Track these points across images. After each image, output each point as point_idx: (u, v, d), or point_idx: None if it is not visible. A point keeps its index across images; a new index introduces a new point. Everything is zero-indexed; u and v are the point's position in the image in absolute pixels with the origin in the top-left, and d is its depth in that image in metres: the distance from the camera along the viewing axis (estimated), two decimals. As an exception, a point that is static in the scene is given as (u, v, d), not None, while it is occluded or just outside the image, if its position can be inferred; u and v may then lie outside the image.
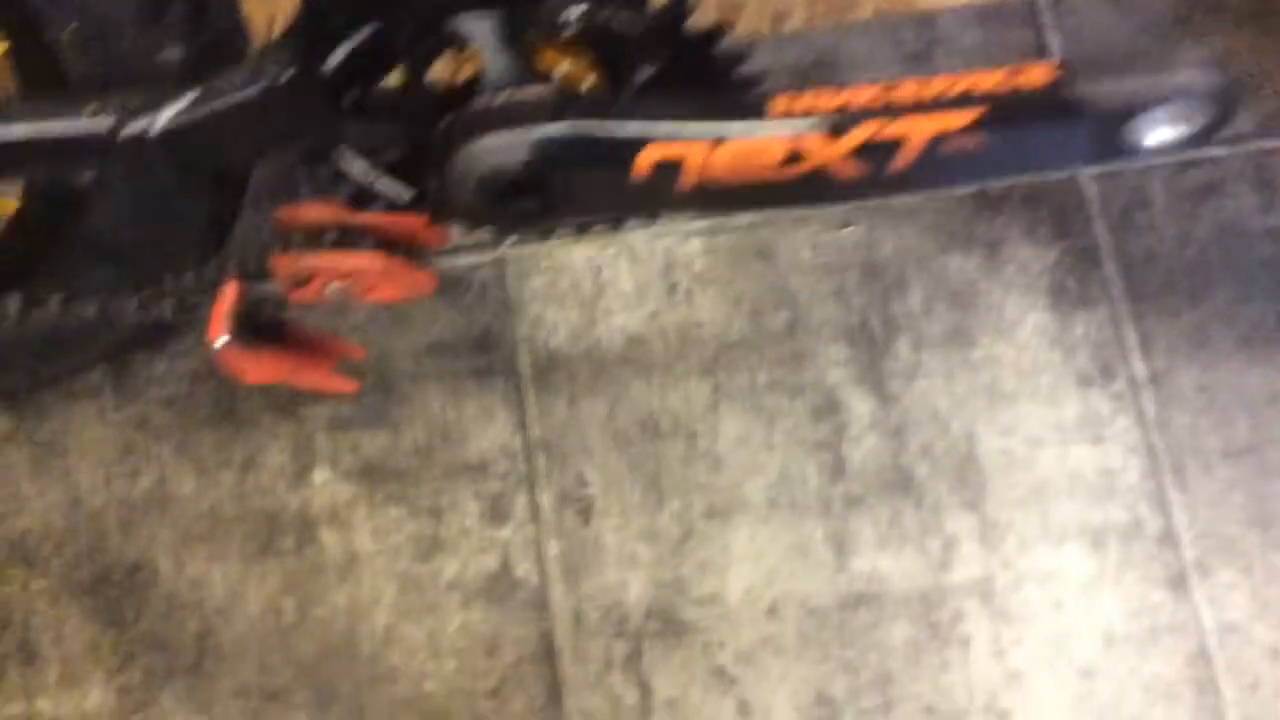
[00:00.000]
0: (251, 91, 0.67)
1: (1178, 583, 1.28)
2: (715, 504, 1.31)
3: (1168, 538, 1.29)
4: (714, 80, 0.66)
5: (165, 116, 0.68)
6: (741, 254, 1.39)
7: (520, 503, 1.31)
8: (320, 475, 1.31)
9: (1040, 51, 1.44)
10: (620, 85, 0.69)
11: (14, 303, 0.82)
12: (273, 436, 1.32)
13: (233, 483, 1.30)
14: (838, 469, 1.32)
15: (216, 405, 1.33)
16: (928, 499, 1.31)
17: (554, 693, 1.27)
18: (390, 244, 0.84)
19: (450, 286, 1.37)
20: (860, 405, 1.34)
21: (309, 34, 0.64)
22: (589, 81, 0.68)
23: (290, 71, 0.66)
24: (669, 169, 0.63)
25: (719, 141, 0.62)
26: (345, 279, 0.84)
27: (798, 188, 0.64)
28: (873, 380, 1.35)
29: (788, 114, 0.62)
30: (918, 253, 1.38)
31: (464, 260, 1.37)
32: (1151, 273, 1.37)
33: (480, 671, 1.27)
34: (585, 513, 1.31)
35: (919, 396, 1.34)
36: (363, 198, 0.82)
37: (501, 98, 0.66)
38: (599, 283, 1.39)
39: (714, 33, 0.64)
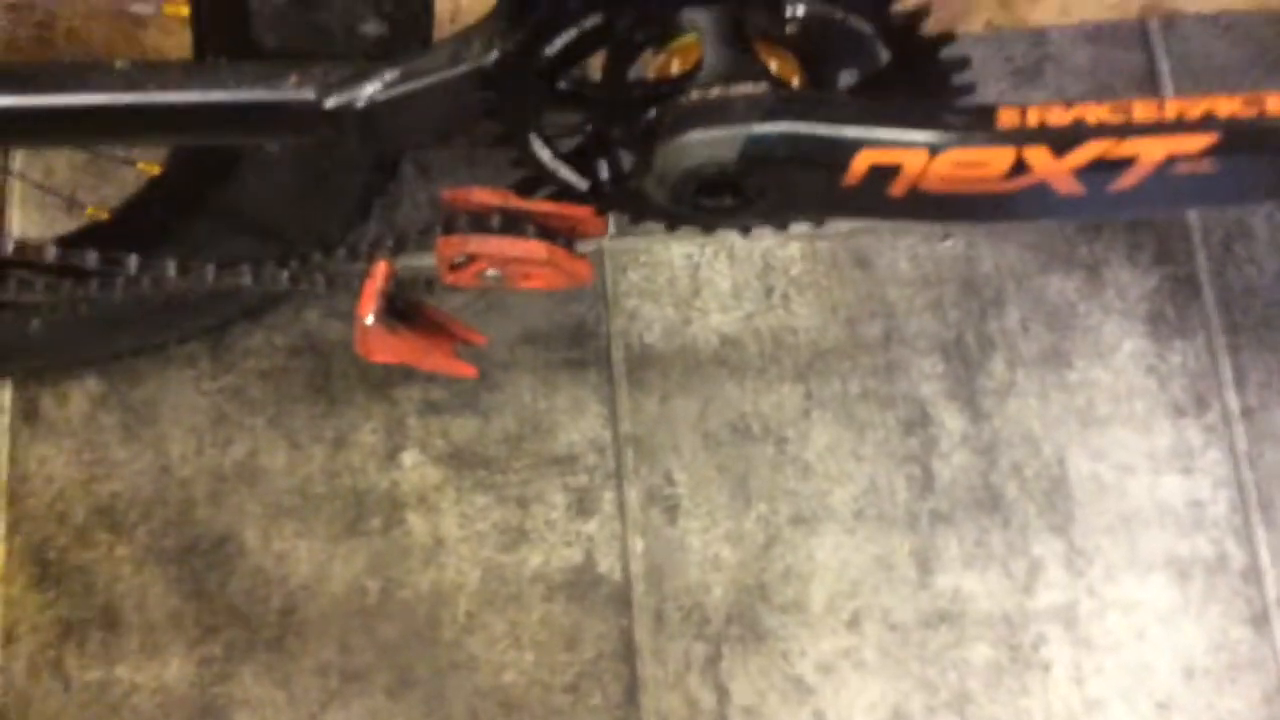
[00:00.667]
0: (458, 70, 0.67)
1: (1260, 620, 1.28)
2: (802, 511, 1.31)
3: (1252, 573, 1.29)
4: (928, 87, 0.65)
5: (369, 91, 0.68)
6: (840, 261, 1.39)
7: (607, 498, 1.31)
8: (410, 458, 1.31)
9: (1151, 76, 1.44)
10: (824, 86, 0.69)
11: (171, 265, 0.82)
12: (365, 416, 1.32)
13: (324, 459, 1.30)
14: (926, 484, 1.32)
15: (311, 381, 1.32)
16: (1015, 520, 1.31)
17: (631, 691, 1.27)
18: (552, 233, 0.83)
19: (547, 277, 1.36)
20: (952, 421, 1.34)
21: (521, 14, 0.64)
22: (795, 81, 0.68)
23: (503, 53, 0.65)
24: (883, 175, 0.63)
25: (939, 150, 0.61)
26: (505, 265, 0.83)
27: (1015, 202, 0.63)
28: (965, 396, 1.34)
29: (1017, 127, 0.61)
30: (1017, 271, 1.38)
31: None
32: (1250, 306, 1.37)
33: (559, 665, 1.27)
34: (671, 512, 1.31)
35: (1012, 416, 1.34)
36: (529, 184, 0.81)
37: (716, 92, 0.65)
38: (696, 281, 1.39)
39: (942, 39, 0.63)
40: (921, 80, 0.65)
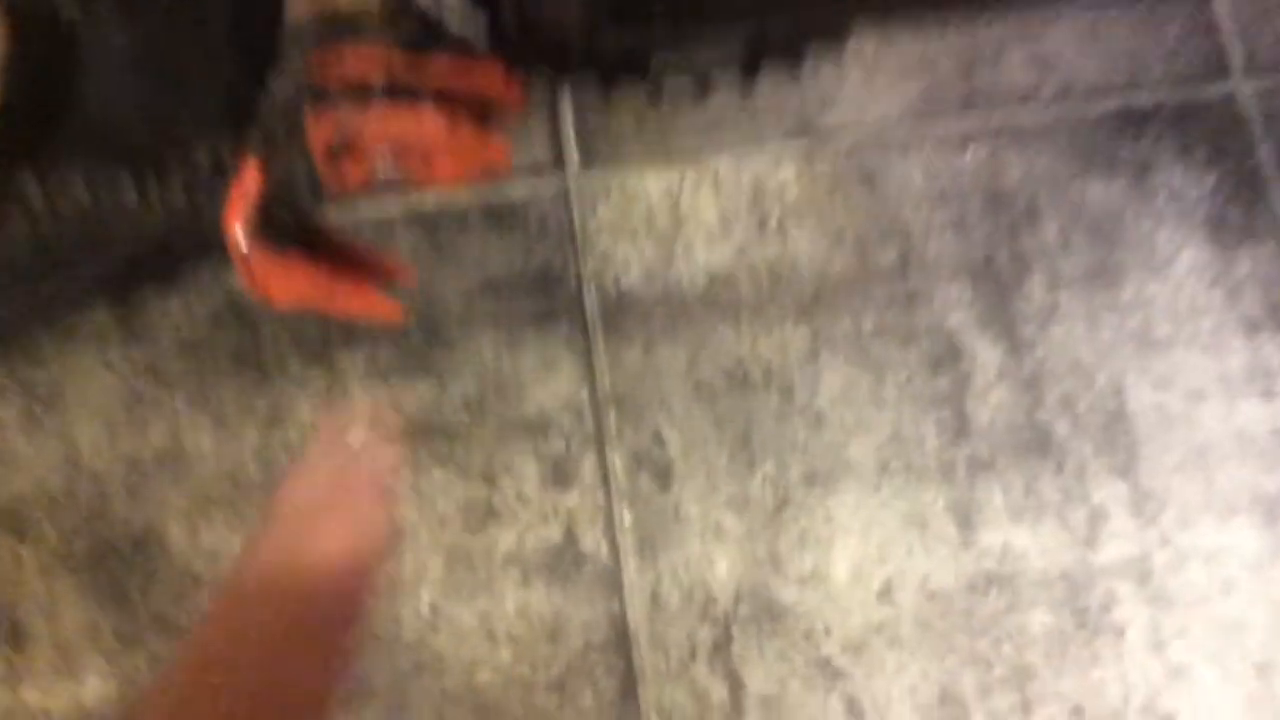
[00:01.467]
0: None
1: (1368, 563, 1.08)
2: (816, 468, 1.12)
3: (1354, 510, 1.09)
4: None
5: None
6: (842, 180, 1.20)
7: (587, 465, 1.12)
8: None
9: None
10: None
11: (30, 183, 0.64)
12: (301, 387, 1.13)
13: (256, 439, 1.12)
14: (960, 428, 1.12)
15: (238, 350, 1.14)
16: (1069, 463, 1.11)
17: (628, 686, 1.08)
18: (455, 102, 0.65)
19: (505, 216, 1.18)
20: (986, 353, 1.14)
21: None
22: None
23: None
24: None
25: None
26: (398, 149, 0.65)
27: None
28: (1001, 324, 1.15)
29: None
30: (1051, 177, 1.18)
31: (521, 187, 1.18)
32: (1326, 201, 1.17)
33: (541, 660, 1.08)
34: (663, 477, 1.12)
35: (1056, 343, 1.14)
36: (421, 38, 0.63)
37: None
38: (677, 214, 1.20)
39: None
40: None
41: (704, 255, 1.19)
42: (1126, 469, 1.11)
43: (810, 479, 1.11)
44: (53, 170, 0.76)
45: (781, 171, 1.21)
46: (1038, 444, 1.11)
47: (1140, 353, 1.14)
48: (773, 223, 1.19)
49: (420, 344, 1.15)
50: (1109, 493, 1.10)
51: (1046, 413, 1.12)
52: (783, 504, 1.11)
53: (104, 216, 0.71)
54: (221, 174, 0.70)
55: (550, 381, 1.15)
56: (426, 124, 0.63)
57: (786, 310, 1.17)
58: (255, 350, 1.14)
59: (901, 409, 1.13)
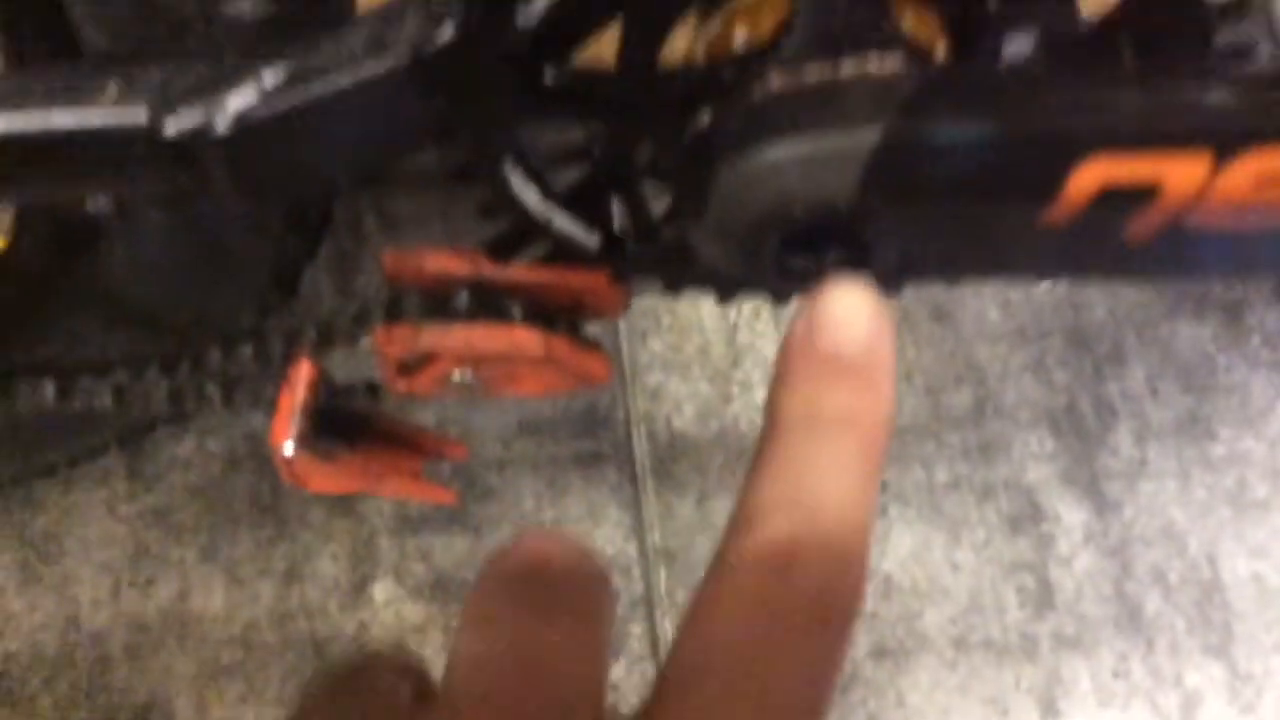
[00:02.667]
0: (382, 63, 0.39)
1: None
2: (885, 640, 1.02)
3: None
4: (1175, 47, 0.38)
5: (234, 105, 0.40)
6: (913, 313, 1.11)
7: (635, 632, 1.02)
8: (382, 591, 1.02)
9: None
10: (984, 56, 0.41)
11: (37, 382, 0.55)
12: (324, 539, 1.04)
13: (272, 598, 1.02)
14: (1044, 598, 1.03)
15: (254, 496, 1.04)
16: (1161, 640, 1.02)
17: None
18: (548, 314, 0.56)
19: (549, 351, 1.08)
20: (1070, 514, 1.05)
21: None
22: (939, 49, 0.41)
23: (455, 30, 0.38)
24: (1122, 201, 0.35)
25: (1235, 149, 0.34)
26: (479, 365, 0.56)
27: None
28: (1085, 481, 1.06)
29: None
30: (1137, 317, 1.10)
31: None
32: None
33: None
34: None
35: (1145, 503, 1.05)
36: (511, 242, 0.54)
37: (817, 73, 0.38)
38: (734, 347, 1.11)
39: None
40: (1168, 39, 0.38)
41: (763, 393, 1.09)
42: (1222, 648, 1.01)
43: (880, 653, 1.02)
44: (71, 351, 0.67)
45: (845, 304, 1.12)
46: (1127, 618, 1.02)
47: (1236, 516, 1.05)
48: (836, 361, 1.10)
49: (455, 491, 1.05)
50: (1204, 675, 1.01)
51: (1136, 583, 1.03)
52: (850, 682, 1.01)
53: (126, 409, 0.62)
54: (267, 370, 0.61)
55: (595, 534, 1.06)
56: (518, 343, 0.54)
57: (852, 459, 1.07)
58: (274, 497, 1.04)
59: (979, 574, 1.04)
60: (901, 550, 1.05)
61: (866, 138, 0.37)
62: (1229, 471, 1.06)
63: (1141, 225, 0.37)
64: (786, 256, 0.42)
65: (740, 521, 0.27)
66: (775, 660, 0.24)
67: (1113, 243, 0.38)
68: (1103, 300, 1.11)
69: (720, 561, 0.26)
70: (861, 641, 1.02)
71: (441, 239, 1.15)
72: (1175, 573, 1.04)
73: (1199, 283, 1.04)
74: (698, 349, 1.11)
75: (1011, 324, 1.11)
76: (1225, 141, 0.34)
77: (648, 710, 0.25)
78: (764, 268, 0.42)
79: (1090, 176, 0.36)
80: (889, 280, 0.44)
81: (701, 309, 1.12)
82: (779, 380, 0.29)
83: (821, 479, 0.27)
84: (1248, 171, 0.35)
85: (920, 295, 1.11)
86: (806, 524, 0.26)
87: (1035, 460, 1.07)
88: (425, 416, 1.07)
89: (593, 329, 1.09)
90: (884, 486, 1.06)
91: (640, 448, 1.08)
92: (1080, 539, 1.04)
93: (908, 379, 1.10)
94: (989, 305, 1.11)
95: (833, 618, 0.25)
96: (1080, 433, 1.07)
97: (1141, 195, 0.36)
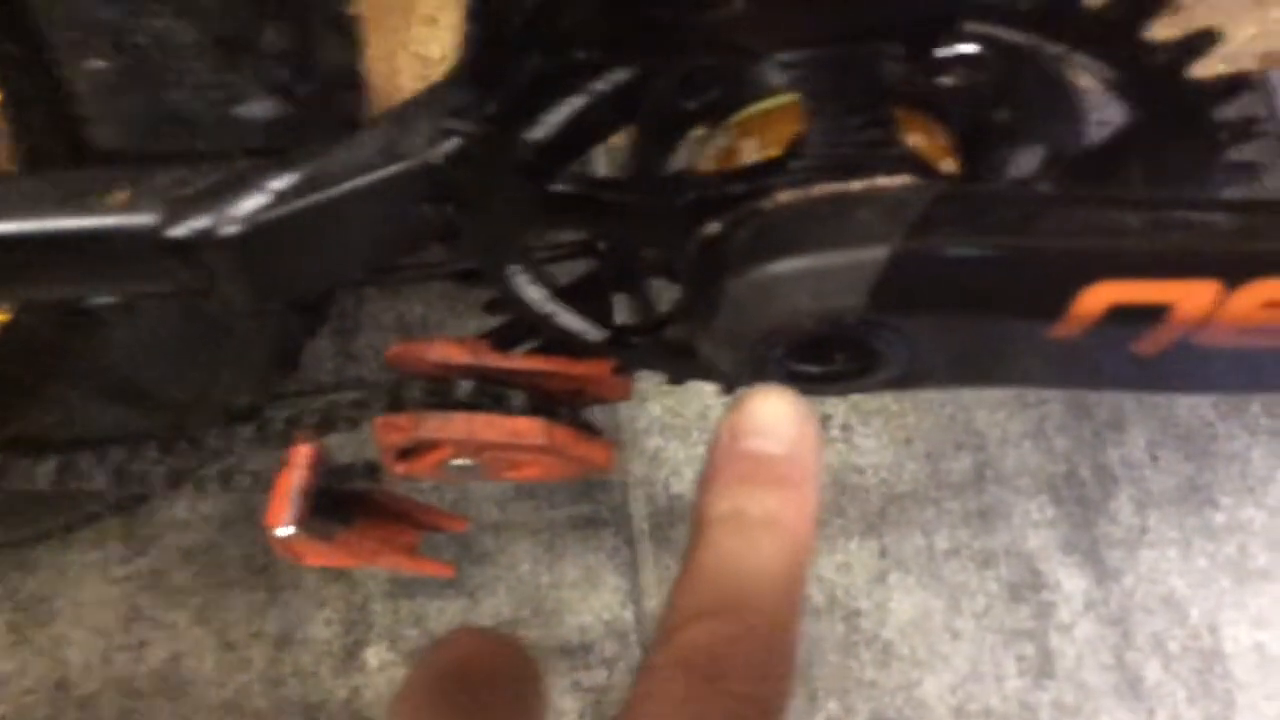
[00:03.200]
0: (391, 170, 0.39)
1: None
2: (884, 709, 1.01)
3: None
4: (1189, 166, 0.38)
5: (245, 208, 0.40)
6: (912, 381, 1.11)
7: (633, 697, 1.01)
8: (375, 656, 1.01)
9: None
10: (992, 172, 0.41)
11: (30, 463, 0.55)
12: (317, 603, 1.03)
13: (265, 662, 1.01)
14: (1044, 666, 1.02)
15: (247, 560, 1.03)
16: (1162, 711, 1.01)
17: None
18: (550, 402, 0.55)
19: (547, 413, 1.08)
20: (1070, 582, 1.05)
21: (493, 75, 0.37)
22: (947, 165, 0.41)
23: (465, 140, 0.38)
24: (1131, 321, 0.35)
25: (1245, 277, 0.34)
26: (480, 452, 0.55)
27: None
28: (1085, 548, 1.05)
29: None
30: (1136, 387, 1.10)
31: (563, 379, 1.08)
32: None
33: None
34: None
35: (1146, 572, 1.05)
36: (513, 332, 0.53)
37: (828, 189, 0.38)
38: (733, 412, 1.10)
39: (1227, 86, 0.36)
40: (1177, 158, 0.38)
41: (760, 458, 1.09)
42: (1223, 719, 1.00)
43: (879, 721, 1.01)
44: (69, 427, 0.66)
45: (844, 367, 1.11)
46: (1128, 688, 1.01)
47: (1237, 585, 1.04)
48: (837, 423, 1.10)
49: (450, 557, 1.04)
50: (1207, 746, 1.00)
51: (1136, 652, 1.02)
52: (849, 750, 1.00)
53: (124, 489, 0.61)
54: (266, 447, 0.60)
55: (592, 599, 1.05)
56: (520, 432, 0.53)
57: (852, 524, 1.07)
58: (267, 560, 1.03)
59: (979, 642, 1.03)
60: (901, 618, 1.04)
61: (875, 254, 0.37)
62: (1230, 540, 1.06)
63: (1150, 342, 0.37)
64: (793, 363, 0.42)
65: (669, 625, 0.27)
66: None
67: (1122, 357, 0.38)
68: (1102, 366, 1.11)
69: (649, 665, 0.26)
70: (861, 709, 1.01)
71: (439, 301, 1.15)
72: (1176, 642, 1.03)
73: (1210, 395, 1.05)
74: (697, 414, 1.11)
75: (1011, 391, 1.11)
76: (1233, 270, 0.34)
77: None
78: (770, 374, 0.42)
79: (1098, 297, 0.36)
80: (898, 385, 0.44)
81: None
82: (705, 483, 0.30)
83: (747, 580, 0.27)
84: (1257, 297, 0.34)
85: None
86: (733, 628, 0.26)
87: (1035, 527, 1.06)
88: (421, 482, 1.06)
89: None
90: (883, 552, 1.06)
91: (638, 512, 1.07)
92: (1081, 607, 1.04)
93: (908, 444, 1.09)
94: (988, 370, 1.11)
95: (761, 717, 0.25)
96: (1080, 500, 1.07)
97: (1150, 315, 0.36)
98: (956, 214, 0.37)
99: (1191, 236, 0.35)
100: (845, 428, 1.10)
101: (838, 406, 1.10)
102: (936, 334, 0.39)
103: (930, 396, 1.11)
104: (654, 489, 1.08)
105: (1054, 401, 1.10)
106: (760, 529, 0.28)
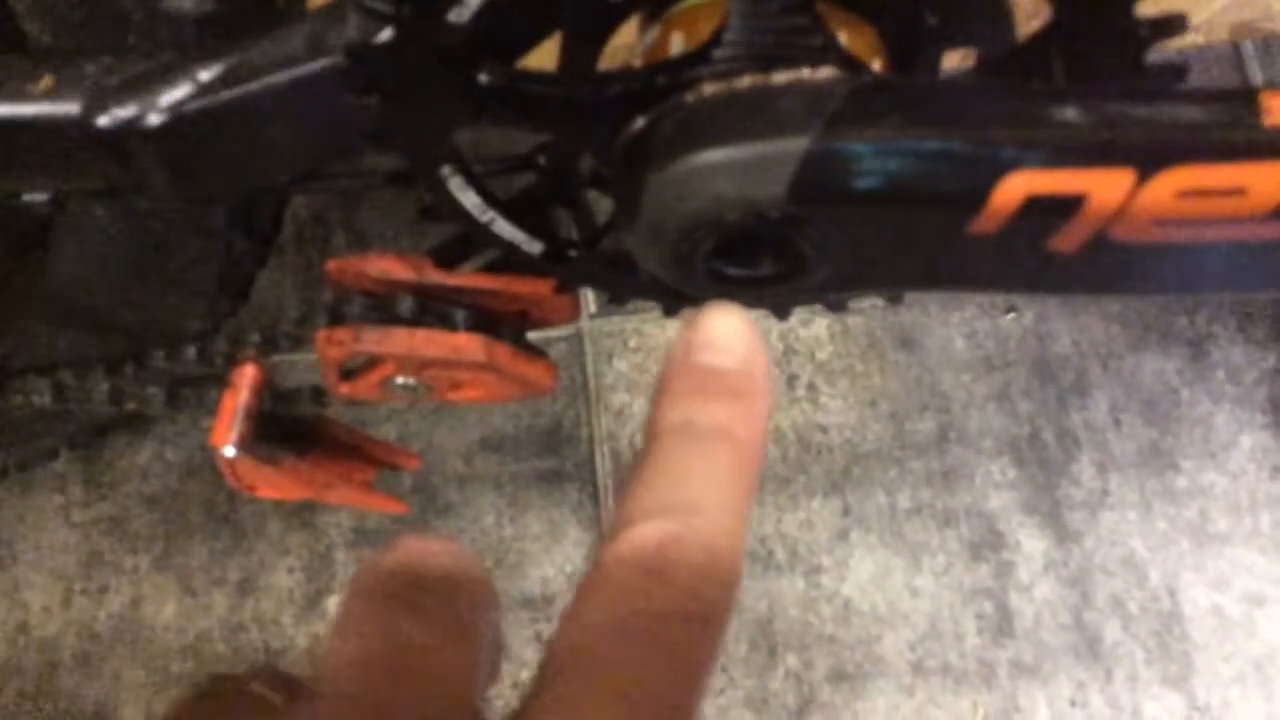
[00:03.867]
0: (318, 62, 0.39)
1: None
2: (843, 664, 1.01)
3: None
4: (1111, 65, 0.39)
5: (170, 98, 0.40)
6: (878, 341, 1.11)
7: (594, 650, 1.01)
8: (337, 604, 1.01)
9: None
10: (920, 69, 0.42)
11: None
12: (280, 550, 1.03)
13: (226, 608, 1.01)
14: (1003, 625, 1.03)
15: (210, 507, 1.03)
16: (1119, 670, 1.01)
17: None
18: (493, 321, 0.56)
19: (514, 367, 1.08)
20: (1031, 542, 1.05)
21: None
22: (876, 63, 0.41)
23: (392, 24, 0.38)
24: (1047, 213, 0.35)
25: (1158, 166, 0.34)
26: (421, 370, 0.55)
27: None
28: (1046, 509, 1.06)
29: (1297, 124, 0.34)
30: (1102, 349, 1.10)
31: (529, 334, 1.08)
32: (1395, 386, 1.10)
33: None
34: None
35: (1106, 534, 1.05)
36: (456, 249, 0.54)
37: (748, 81, 0.38)
38: (700, 370, 1.10)
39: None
40: (1097, 57, 0.38)
41: (726, 417, 1.09)
42: (1181, 679, 1.01)
43: (838, 676, 1.01)
44: (20, 351, 0.66)
45: (813, 327, 1.12)
46: (1086, 647, 1.02)
47: (1197, 548, 1.05)
48: (802, 384, 1.10)
49: (415, 507, 1.05)
50: (1161, 706, 1.00)
51: (1095, 612, 1.03)
52: (806, 704, 1.01)
53: (70, 409, 0.61)
54: (211, 373, 0.61)
55: (555, 552, 1.05)
56: (460, 348, 0.53)
57: (815, 483, 1.07)
58: (231, 507, 1.04)
59: (939, 600, 1.04)
60: (862, 575, 1.05)
61: (794, 144, 0.37)
62: (1191, 504, 1.06)
63: (1068, 237, 0.37)
64: (721, 266, 0.42)
65: (618, 526, 0.27)
66: (645, 654, 0.25)
67: (1041, 254, 0.38)
68: (1068, 331, 1.11)
69: (597, 563, 0.27)
70: (820, 664, 1.01)
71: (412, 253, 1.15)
72: (1135, 603, 1.03)
73: (1129, 299, 1.05)
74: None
75: (977, 353, 1.11)
76: (1146, 159, 0.34)
77: (524, 704, 0.25)
78: (698, 276, 0.42)
79: (1014, 188, 0.36)
80: (826, 290, 0.44)
81: (668, 330, 1.12)
82: (659, 395, 0.30)
83: (695, 486, 0.28)
84: (1169, 187, 0.35)
85: (887, 323, 1.11)
86: (679, 528, 0.27)
87: (997, 488, 1.07)
88: (388, 431, 1.06)
89: (557, 349, 1.10)
90: (846, 510, 1.06)
91: (603, 467, 1.07)
92: (1040, 567, 1.04)
93: (873, 405, 1.10)
94: (955, 334, 1.12)
95: (702, 616, 0.26)
96: (1043, 462, 1.07)
97: (1066, 207, 0.36)
98: (876, 105, 0.37)
99: (1103, 125, 0.35)
100: (811, 387, 1.10)
101: (804, 366, 1.11)
102: (858, 231, 0.39)
103: (897, 358, 1.11)
104: (619, 444, 1.08)
105: (1019, 365, 1.10)
106: (709, 438, 0.29)
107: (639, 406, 1.09)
